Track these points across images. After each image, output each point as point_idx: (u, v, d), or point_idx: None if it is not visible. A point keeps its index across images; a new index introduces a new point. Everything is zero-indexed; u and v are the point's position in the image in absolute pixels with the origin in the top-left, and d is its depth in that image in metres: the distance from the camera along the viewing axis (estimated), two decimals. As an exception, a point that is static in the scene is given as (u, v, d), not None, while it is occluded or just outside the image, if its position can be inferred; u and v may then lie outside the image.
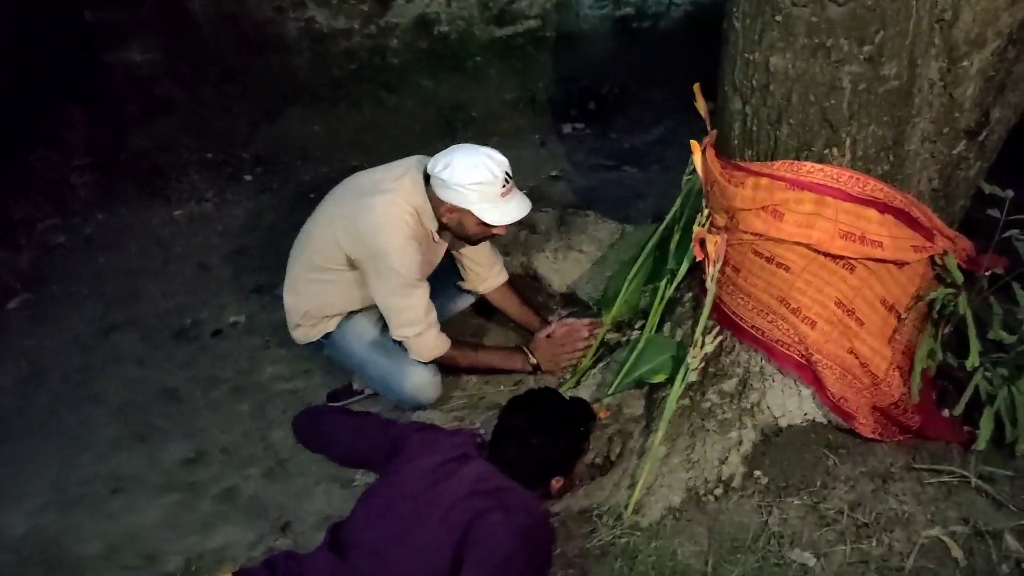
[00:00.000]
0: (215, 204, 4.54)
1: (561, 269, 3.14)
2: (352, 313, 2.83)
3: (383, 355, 2.75)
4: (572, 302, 3.13)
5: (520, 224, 3.31)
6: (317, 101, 4.94)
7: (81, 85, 4.94)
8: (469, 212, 2.51)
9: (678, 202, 2.54)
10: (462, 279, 3.02)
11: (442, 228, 2.67)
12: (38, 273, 4.13)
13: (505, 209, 2.52)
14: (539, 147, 4.70)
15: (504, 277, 3.01)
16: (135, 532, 2.51)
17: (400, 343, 2.70)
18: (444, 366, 2.77)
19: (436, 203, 2.58)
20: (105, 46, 4.98)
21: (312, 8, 4.85)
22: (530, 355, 2.80)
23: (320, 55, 4.95)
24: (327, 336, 2.87)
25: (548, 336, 2.82)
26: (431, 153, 2.62)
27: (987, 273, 2.17)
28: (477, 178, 2.46)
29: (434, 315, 2.67)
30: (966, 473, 2.11)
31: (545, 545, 2.00)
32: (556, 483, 2.20)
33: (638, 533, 2.17)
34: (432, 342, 2.67)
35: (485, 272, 2.97)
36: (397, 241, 2.52)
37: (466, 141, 2.74)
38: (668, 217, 2.57)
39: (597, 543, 2.16)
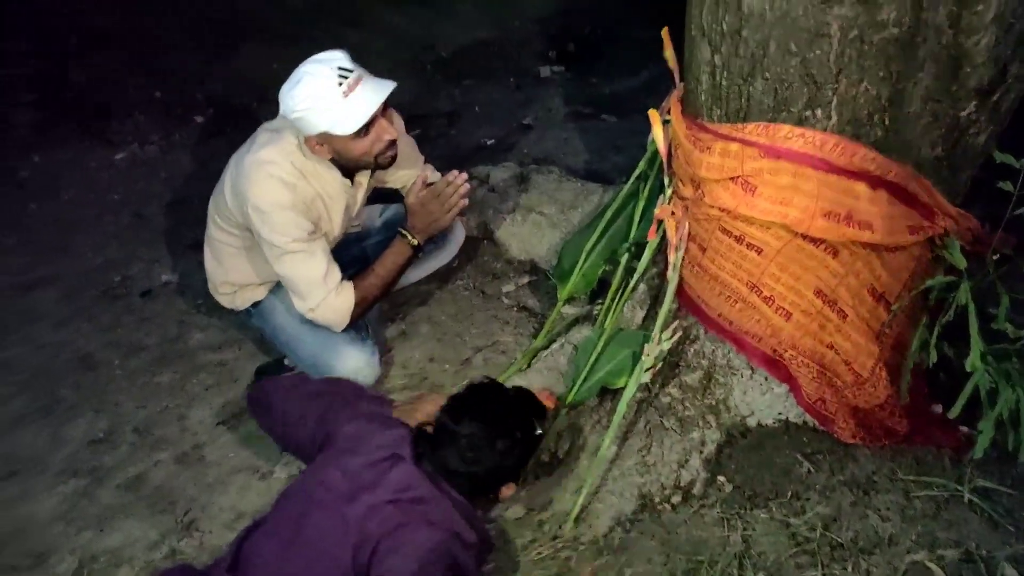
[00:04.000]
0: (161, 148, 4.21)
1: (520, 233, 2.84)
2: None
3: (312, 334, 2.43)
4: (532, 271, 2.83)
5: (478, 181, 3.01)
6: (275, 38, 4.59)
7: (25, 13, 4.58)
8: (327, 135, 2.18)
9: (643, 162, 2.22)
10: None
11: (345, 169, 2.35)
12: (-37, 221, 3.82)
13: (352, 109, 2.14)
14: (513, 91, 4.36)
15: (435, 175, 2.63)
16: (27, 525, 2.25)
17: None
18: (364, 311, 2.43)
19: (314, 149, 2.26)
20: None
21: (269, -66, 4.49)
22: (408, 235, 2.39)
23: (278, -14, 4.60)
24: (256, 305, 2.57)
25: (419, 200, 2.40)
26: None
27: (995, 256, 1.85)
28: (305, 93, 2.10)
29: (335, 277, 2.32)
30: (959, 487, 1.85)
31: (465, 563, 1.72)
32: (506, 491, 1.95)
33: (582, 546, 1.92)
34: (335, 305, 2.32)
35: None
36: (265, 206, 2.21)
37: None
38: (631, 179, 2.25)
39: (535, 557, 1.91)
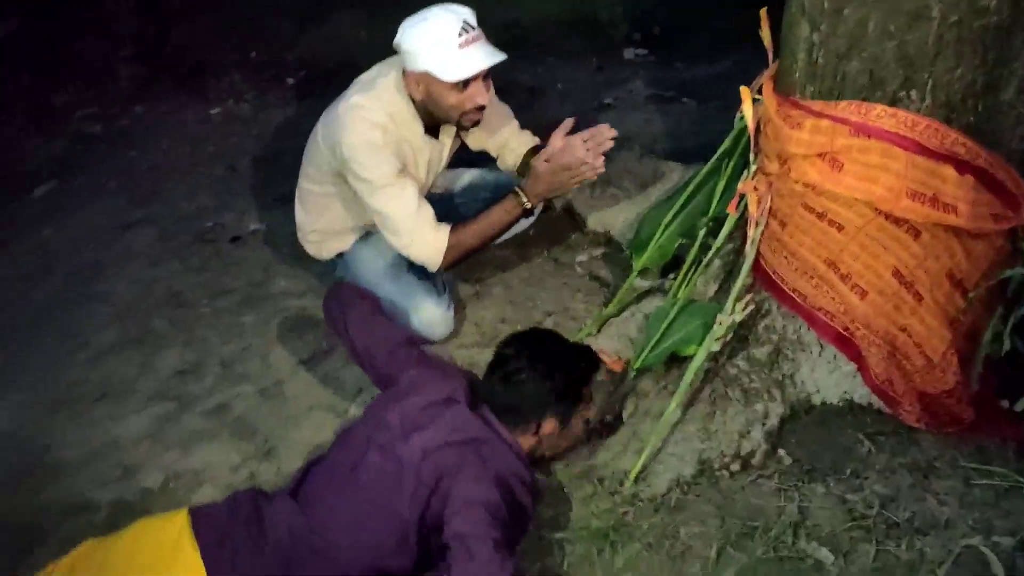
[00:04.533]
0: (254, 106, 4.37)
1: (598, 207, 2.90)
2: (370, 234, 2.62)
3: (393, 283, 2.54)
4: (607, 243, 2.89)
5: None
6: (366, 5, 4.69)
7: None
8: (429, 76, 2.28)
9: (728, 140, 2.26)
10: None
11: (429, 120, 2.44)
12: (69, 162, 4.05)
13: (462, 61, 2.25)
14: (596, 72, 4.40)
15: (535, 140, 2.72)
16: (117, 442, 2.40)
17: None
18: (460, 257, 2.47)
19: (409, 86, 2.36)
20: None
21: (366, -96, 4.58)
22: (521, 195, 2.41)
23: (372, -44, 4.69)
24: (341, 256, 2.69)
25: (550, 168, 2.38)
26: None
27: (1077, 252, 1.86)
28: (426, 32, 2.24)
29: (428, 213, 2.40)
30: (1020, 478, 1.86)
31: (522, 498, 1.81)
32: (547, 427, 1.94)
33: (640, 503, 1.98)
34: (429, 240, 2.39)
35: (515, 145, 2.71)
36: (358, 145, 2.32)
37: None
38: (715, 156, 2.29)
39: (593, 509, 1.98)
